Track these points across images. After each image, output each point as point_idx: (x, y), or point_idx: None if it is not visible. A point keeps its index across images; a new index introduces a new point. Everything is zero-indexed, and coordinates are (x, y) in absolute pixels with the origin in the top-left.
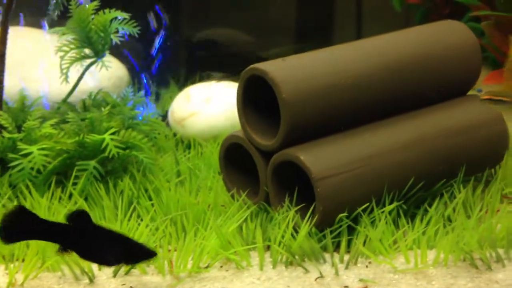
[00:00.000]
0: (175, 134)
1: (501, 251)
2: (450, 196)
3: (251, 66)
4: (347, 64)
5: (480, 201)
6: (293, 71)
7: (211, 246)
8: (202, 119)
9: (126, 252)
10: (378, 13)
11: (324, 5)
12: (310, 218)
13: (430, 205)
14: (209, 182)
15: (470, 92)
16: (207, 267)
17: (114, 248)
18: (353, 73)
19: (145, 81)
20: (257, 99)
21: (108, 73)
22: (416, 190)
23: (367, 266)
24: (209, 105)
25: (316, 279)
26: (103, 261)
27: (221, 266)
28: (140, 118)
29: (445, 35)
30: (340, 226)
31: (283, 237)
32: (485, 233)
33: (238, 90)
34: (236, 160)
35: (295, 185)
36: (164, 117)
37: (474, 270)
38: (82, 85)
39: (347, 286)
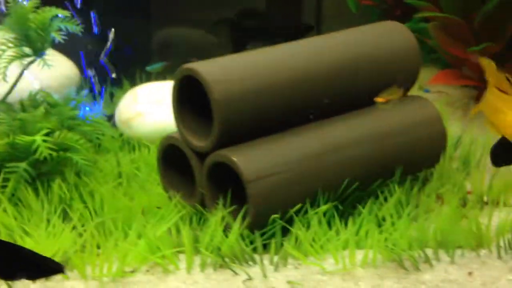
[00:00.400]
0: (121, 135)
1: (430, 251)
2: (387, 196)
3: (184, 65)
4: (282, 65)
5: (415, 201)
6: (226, 71)
7: (138, 249)
8: (150, 120)
9: (30, 267)
10: (339, 13)
11: (286, 5)
12: (243, 220)
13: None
14: (149, 184)
15: (418, 93)
16: (133, 271)
17: (17, 263)
18: (288, 74)
19: (92, 80)
20: (192, 100)
21: (56, 73)
22: (353, 190)
23: (296, 268)
24: (157, 106)
25: (244, 282)
26: (5, 276)
27: (148, 270)
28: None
29: (384, 36)
30: (273, 228)
31: (212, 239)
32: (415, 233)
33: (172, 90)
34: (174, 161)
35: (231, 187)
36: (111, 117)
37: (402, 271)
38: (28, 85)
39: None
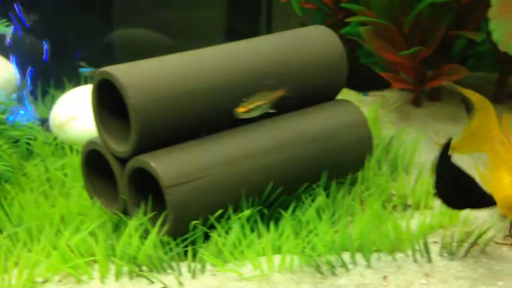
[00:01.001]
0: (55, 139)
1: (347, 255)
2: (313, 200)
3: (101, 69)
4: (203, 69)
5: (339, 205)
6: (144, 75)
7: (50, 259)
8: (84, 123)
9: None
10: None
11: (239, 6)
12: (162, 227)
13: (294, 209)
14: (76, 190)
15: (357, 96)
16: (44, 282)
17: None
18: (209, 78)
19: (28, 82)
20: (113, 103)
21: None
22: (279, 195)
23: (214, 275)
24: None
25: None
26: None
27: (60, 281)
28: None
29: (310, 41)
30: (194, 234)
31: (129, 247)
32: (334, 238)
33: (91, 94)
34: (98, 167)
35: (154, 193)
36: (45, 121)
37: (319, 276)
38: None
39: None
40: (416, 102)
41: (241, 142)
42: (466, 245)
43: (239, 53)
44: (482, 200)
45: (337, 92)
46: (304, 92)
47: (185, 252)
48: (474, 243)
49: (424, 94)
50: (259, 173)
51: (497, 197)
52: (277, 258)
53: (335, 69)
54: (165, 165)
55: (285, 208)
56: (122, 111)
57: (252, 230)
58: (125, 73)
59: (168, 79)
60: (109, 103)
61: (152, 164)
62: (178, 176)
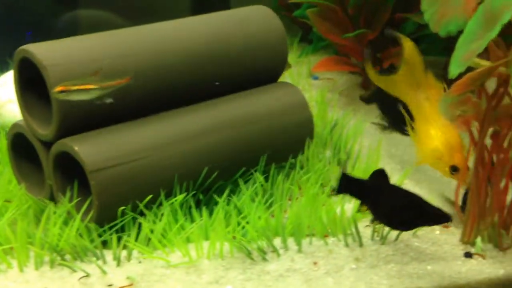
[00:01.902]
0: None
1: (279, 240)
2: (252, 185)
3: (21, 47)
4: (130, 49)
5: (278, 189)
6: (67, 53)
7: None
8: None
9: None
10: None
11: None
12: (89, 213)
13: (232, 194)
14: (6, 176)
15: (307, 80)
16: None
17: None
18: (138, 59)
19: None
20: (37, 84)
21: None
22: (216, 180)
23: (140, 262)
24: None
25: (80, 279)
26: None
27: None
28: None
29: (249, 20)
30: (123, 221)
31: (51, 234)
32: (267, 223)
33: (13, 73)
34: (26, 150)
35: (82, 178)
36: None
37: (249, 261)
38: None
39: (111, 285)
40: (365, 86)
41: (174, 124)
42: None
43: (172, 32)
44: (430, 216)
45: (279, 74)
46: (243, 73)
47: (119, 239)
48: None
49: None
50: (193, 156)
51: (424, 150)
52: (207, 245)
53: (276, 50)
54: (90, 148)
55: (221, 193)
56: (46, 92)
57: (189, 216)
58: (46, 51)
59: (93, 58)
60: (32, 83)
61: (75, 147)
62: (103, 160)
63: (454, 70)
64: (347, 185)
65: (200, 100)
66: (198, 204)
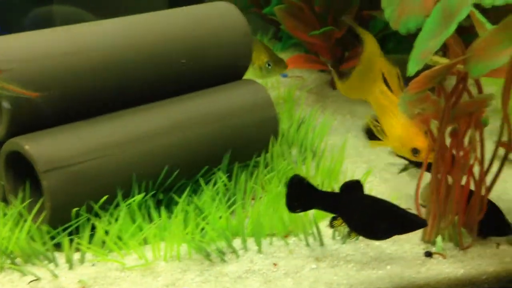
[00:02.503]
0: None
1: (239, 241)
2: (214, 184)
3: None
4: (87, 44)
5: (241, 189)
6: (19, 48)
7: None
8: None
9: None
10: None
11: None
12: (41, 215)
13: (195, 194)
14: None
15: (277, 78)
16: None
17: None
18: (92, 55)
19: None
20: None
21: None
22: (177, 179)
23: (93, 265)
24: None
25: (29, 283)
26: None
27: None
28: None
29: (211, 17)
30: (77, 222)
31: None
32: (228, 223)
33: None
34: None
35: (36, 179)
36: None
37: (208, 263)
38: None
39: None
40: (334, 84)
41: (132, 123)
42: None
43: (128, 28)
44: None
45: (243, 71)
46: (205, 70)
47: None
48: None
49: (342, 75)
50: (152, 156)
51: (390, 139)
52: (165, 246)
53: (239, 46)
54: (42, 147)
55: (182, 194)
56: None
57: (147, 217)
58: None
59: (48, 53)
60: None
61: (26, 147)
62: (57, 160)
63: (412, 68)
64: (319, 199)
65: (160, 98)
66: (159, 205)
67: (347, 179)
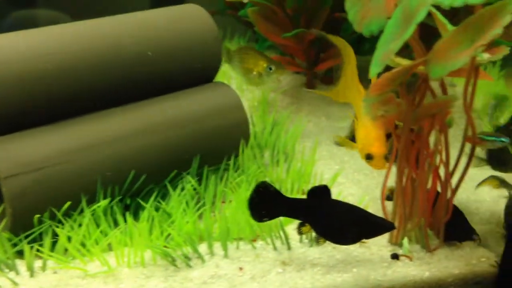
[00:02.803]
0: None
1: (205, 246)
2: (183, 189)
3: None
4: (50, 48)
5: (211, 193)
6: None
7: None
8: None
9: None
10: None
11: None
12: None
13: (164, 198)
14: None
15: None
16: None
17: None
18: (56, 58)
19: None
20: None
21: None
22: (144, 184)
23: (55, 273)
24: None
25: None
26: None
27: None
28: None
29: (179, 19)
30: (40, 229)
31: None
32: (195, 228)
33: None
34: None
35: None
36: None
37: (172, 269)
38: None
39: None
40: (309, 86)
41: (97, 127)
42: None
43: (95, 30)
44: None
45: (213, 74)
46: (173, 73)
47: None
48: None
49: (318, 77)
50: (118, 160)
51: (358, 146)
52: (129, 252)
53: (209, 49)
54: (3, 153)
55: (155, 198)
56: None
57: (113, 223)
58: None
59: (8, 58)
60: None
61: None
62: (18, 165)
63: (373, 70)
64: (286, 206)
65: (127, 102)
66: (128, 210)
67: (318, 181)
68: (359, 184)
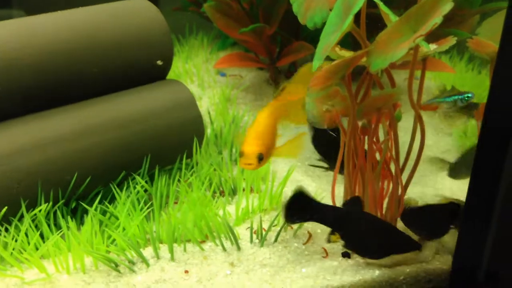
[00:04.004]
0: None
1: (150, 249)
2: (133, 189)
3: None
4: None
5: (162, 194)
6: None
7: None
8: None
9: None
10: None
11: None
12: None
13: (113, 201)
14: None
15: (214, 77)
16: None
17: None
18: None
19: None
20: None
21: None
22: (92, 186)
23: None
24: None
25: None
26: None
27: None
28: None
29: (127, 15)
30: None
31: None
32: (141, 231)
33: None
34: None
35: None
36: None
37: (115, 274)
38: None
39: None
40: (273, 82)
41: (39, 128)
42: (278, 229)
43: (36, 27)
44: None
45: (165, 71)
46: (121, 71)
47: None
48: (284, 226)
49: (282, 73)
50: (62, 163)
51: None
52: (68, 258)
53: (158, 45)
54: None
55: (105, 200)
56: None
57: (56, 227)
58: None
59: None
60: None
61: None
62: None
63: (315, 63)
64: (318, 212)
65: (73, 101)
66: (75, 214)
67: (277, 179)
68: (319, 180)
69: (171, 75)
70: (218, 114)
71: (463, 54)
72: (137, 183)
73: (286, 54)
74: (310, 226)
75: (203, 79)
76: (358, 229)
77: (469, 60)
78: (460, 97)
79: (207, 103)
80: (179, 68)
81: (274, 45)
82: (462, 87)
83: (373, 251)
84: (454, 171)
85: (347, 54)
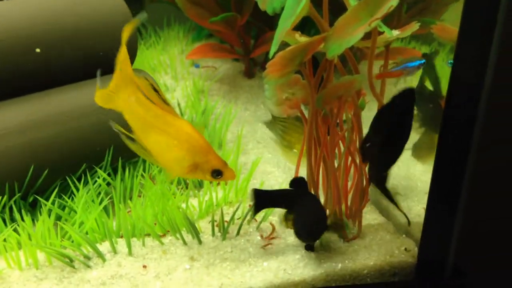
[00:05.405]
0: None
1: (107, 244)
2: (94, 183)
3: None
4: None
5: (117, 188)
6: None
7: None
8: None
9: None
10: None
11: None
12: None
13: (73, 195)
14: None
15: (189, 68)
16: None
17: None
18: None
19: None
20: None
21: None
22: (50, 180)
23: None
24: None
25: None
26: None
27: None
28: None
29: (84, 2)
30: None
31: None
32: (98, 225)
33: None
34: None
35: None
36: None
37: (69, 270)
38: None
39: None
40: (248, 73)
41: None
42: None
43: None
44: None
45: (132, 61)
46: (78, 61)
47: None
48: (245, 219)
49: (258, 64)
50: (14, 155)
51: (167, 164)
52: (21, 254)
53: (119, 35)
54: None
55: (66, 194)
56: None
57: (12, 221)
58: None
59: None
60: None
61: None
62: None
63: (272, 49)
64: (265, 200)
65: (31, 91)
66: (34, 208)
67: (246, 170)
68: (289, 171)
69: (145, 67)
70: (188, 106)
71: (444, 46)
72: (98, 177)
73: (260, 45)
74: (275, 218)
75: (177, 71)
76: (302, 211)
77: (451, 51)
78: (422, 62)
79: (179, 94)
80: (153, 60)
81: (249, 35)
82: (442, 78)
83: (309, 232)
84: (416, 151)
85: (304, 39)
